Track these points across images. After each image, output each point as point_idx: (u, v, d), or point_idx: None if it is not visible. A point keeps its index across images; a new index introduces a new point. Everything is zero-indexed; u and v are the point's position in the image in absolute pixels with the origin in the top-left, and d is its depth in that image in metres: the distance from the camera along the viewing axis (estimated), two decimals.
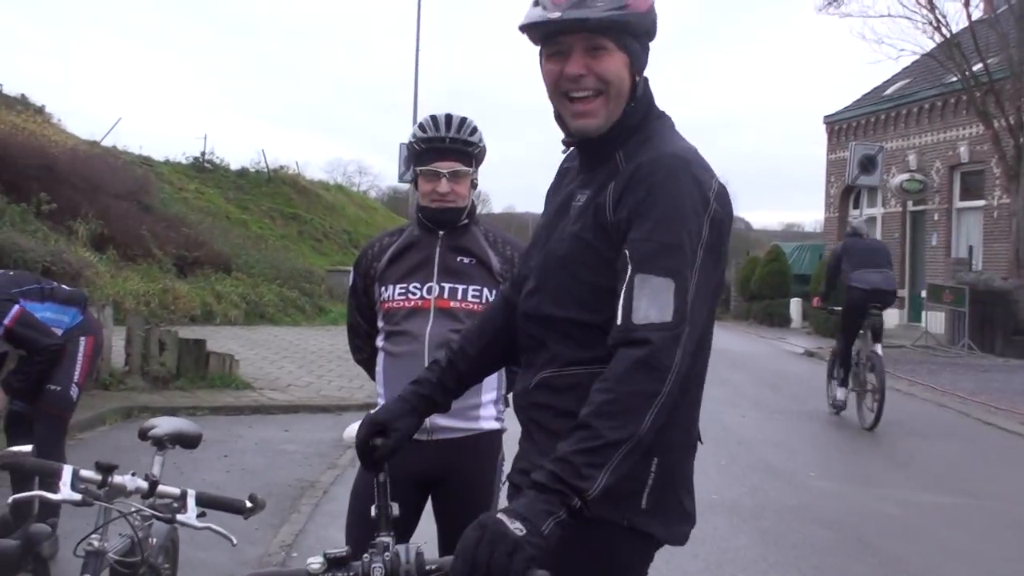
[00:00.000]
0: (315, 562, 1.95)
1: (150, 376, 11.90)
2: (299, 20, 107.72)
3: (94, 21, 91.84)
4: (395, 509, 2.27)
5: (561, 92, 2.25)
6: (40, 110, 27.37)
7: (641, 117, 2.28)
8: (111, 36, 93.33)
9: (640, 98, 2.28)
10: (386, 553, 1.99)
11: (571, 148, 2.41)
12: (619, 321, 2.07)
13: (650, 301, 2.04)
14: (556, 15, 2.17)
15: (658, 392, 1.99)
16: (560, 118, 2.31)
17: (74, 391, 5.99)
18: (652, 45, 2.32)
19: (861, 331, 11.39)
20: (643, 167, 2.16)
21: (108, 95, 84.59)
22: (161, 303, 17.69)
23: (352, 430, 2.47)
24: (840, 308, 11.72)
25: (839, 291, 11.90)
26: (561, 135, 2.36)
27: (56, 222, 18.24)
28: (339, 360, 14.85)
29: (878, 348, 11.15)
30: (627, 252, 2.10)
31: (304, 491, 7.89)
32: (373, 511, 2.25)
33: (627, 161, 2.22)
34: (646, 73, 2.31)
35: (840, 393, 11.79)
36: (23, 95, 28.13)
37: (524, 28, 2.25)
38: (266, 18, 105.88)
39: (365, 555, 2.01)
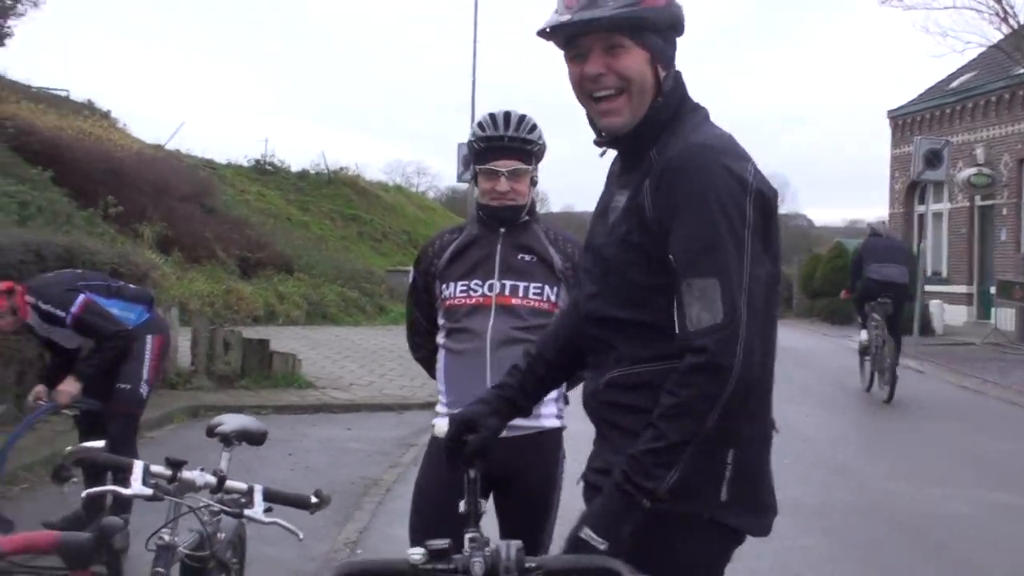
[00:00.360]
0: (416, 553, 1.96)
1: (216, 375, 12.07)
2: (354, 23, 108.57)
3: (158, 30, 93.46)
4: (484, 506, 2.31)
5: (585, 93, 2.26)
6: (106, 115, 27.83)
7: (673, 111, 2.27)
8: (175, 44, 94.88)
9: (670, 92, 2.27)
10: (486, 548, 1.98)
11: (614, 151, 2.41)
12: (678, 329, 2.10)
13: (701, 305, 2.07)
14: (567, 18, 2.19)
15: (720, 393, 2.03)
16: (591, 119, 2.32)
17: (144, 389, 6.09)
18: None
19: (876, 318, 12.69)
20: (672, 161, 2.16)
21: (172, 100, 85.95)
22: (225, 304, 17.93)
23: (442, 424, 2.49)
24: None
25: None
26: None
27: (122, 225, 18.55)
28: (400, 359, 14.92)
29: (891, 335, 12.49)
30: (672, 257, 2.11)
31: (367, 489, 7.94)
32: (462, 507, 2.27)
33: (659, 157, 2.21)
34: (679, 67, 2.30)
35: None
36: (89, 100, 28.69)
37: (541, 34, 2.27)
38: (322, 22, 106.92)
39: (464, 549, 2.01)
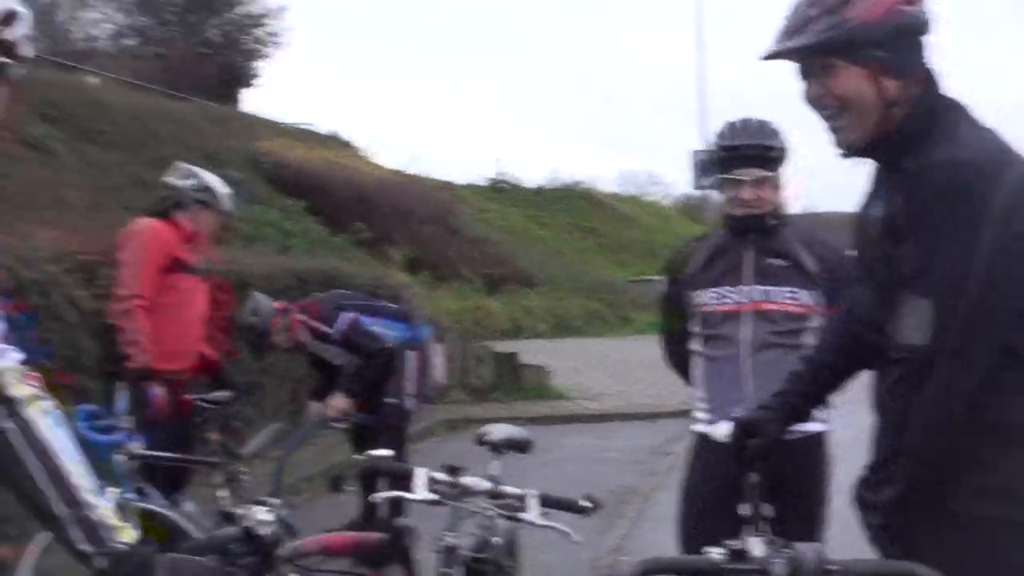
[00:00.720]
0: (717, 552, 1.95)
1: (470, 389, 12.40)
2: (571, 34, 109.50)
3: (391, 60, 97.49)
4: (768, 509, 2.31)
5: (815, 112, 2.24)
6: (349, 145, 29.20)
7: (924, 117, 2.16)
8: (406, 71, 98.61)
9: (920, 99, 2.16)
10: (785, 550, 1.93)
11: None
12: (890, 338, 2.11)
13: (912, 322, 2.05)
14: (774, 48, 2.20)
15: (930, 407, 2.04)
16: None
17: (409, 403, 6.30)
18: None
19: None
20: (923, 173, 2.07)
21: (408, 125, 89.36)
22: (474, 320, 18.41)
23: (722, 429, 2.50)
24: None
25: None
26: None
27: (372, 249, 19.38)
28: (648, 368, 14.85)
29: None
30: (898, 266, 2.08)
31: (625, 497, 7.93)
32: (745, 510, 2.29)
33: (910, 167, 2.12)
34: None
35: None
36: (334, 132, 30.16)
37: (766, 59, 2.26)
38: (544, 40, 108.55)
39: (757, 550, 1.97)
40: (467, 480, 3.17)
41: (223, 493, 5.08)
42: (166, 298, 5.24)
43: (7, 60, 1.93)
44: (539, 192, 36.54)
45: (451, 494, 3.12)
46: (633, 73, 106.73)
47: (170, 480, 5.08)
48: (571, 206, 35.92)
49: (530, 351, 15.82)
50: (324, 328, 6.05)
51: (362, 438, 6.34)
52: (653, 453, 9.60)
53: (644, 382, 14.20)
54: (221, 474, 5.13)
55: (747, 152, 3.43)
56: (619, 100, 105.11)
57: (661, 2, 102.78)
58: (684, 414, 3.70)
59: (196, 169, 5.61)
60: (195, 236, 5.45)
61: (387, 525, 5.81)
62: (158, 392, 5.12)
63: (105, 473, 4.22)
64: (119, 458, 4.39)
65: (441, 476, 3.13)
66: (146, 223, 5.37)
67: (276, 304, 6.13)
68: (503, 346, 14.90)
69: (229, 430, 5.91)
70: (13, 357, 1.87)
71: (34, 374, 1.90)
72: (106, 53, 28.32)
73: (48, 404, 1.90)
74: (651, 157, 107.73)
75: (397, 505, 5.70)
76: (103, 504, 1.88)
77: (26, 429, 1.84)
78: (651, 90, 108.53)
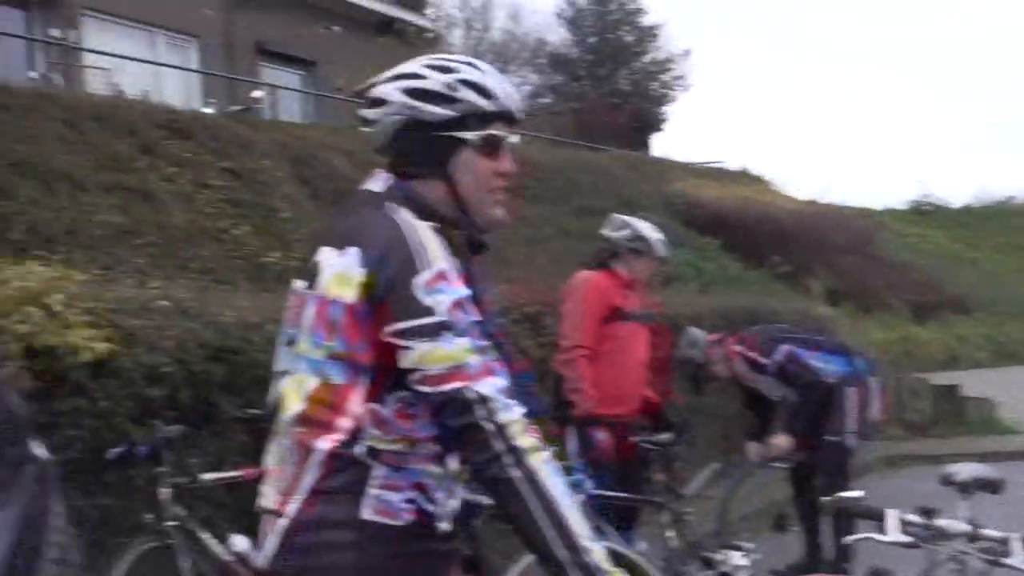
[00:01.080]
0: None
1: (906, 424, 11.81)
2: (994, 35, 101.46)
3: (799, 88, 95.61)
4: None
5: None
6: (760, 179, 28.97)
7: None
8: (811, 99, 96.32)
9: None
10: None
11: None
12: None
13: None
14: None
15: None
16: None
17: (851, 440, 6.13)
18: None
19: None
20: None
21: (823, 154, 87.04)
22: (903, 351, 17.54)
23: None
24: None
25: None
26: None
27: (790, 282, 19.05)
28: None
29: None
30: None
31: None
32: None
33: None
34: None
35: None
36: (744, 168, 30.06)
37: None
38: (966, 45, 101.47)
39: None
40: (943, 522, 3.07)
41: (670, 533, 5.21)
42: (607, 345, 5.46)
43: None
44: (966, 211, 34.28)
45: (926, 536, 3.02)
46: None
47: (621, 520, 5.27)
48: (1005, 224, 33.28)
49: (970, 382, 14.77)
50: (761, 359, 6.07)
51: (803, 476, 6.26)
52: None
53: None
54: (667, 513, 5.26)
55: None
56: None
57: None
58: None
59: (629, 219, 5.82)
60: (632, 284, 5.64)
61: (834, 567, 5.70)
62: (602, 436, 5.34)
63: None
64: (579, 498, 4.61)
65: (914, 518, 3.06)
66: (586, 275, 5.64)
67: (711, 336, 6.26)
68: (941, 377, 14.04)
69: (671, 470, 6.06)
70: (518, 411, 2.04)
71: (534, 426, 2.07)
72: (527, 113, 30.21)
73: (547, 454, 2.06)
74: None
75: (844, 549, 5.59)
76: (598, 549, 2.01)
77: (531, 477, 2.01)
78: None
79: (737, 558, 5.00)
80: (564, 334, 5.56)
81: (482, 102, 2.21)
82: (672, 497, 5.41)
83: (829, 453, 6.13)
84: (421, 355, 2.02)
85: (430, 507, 2.11)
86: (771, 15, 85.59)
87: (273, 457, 2.15)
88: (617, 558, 4.70)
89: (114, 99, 11.30)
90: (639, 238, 5.66)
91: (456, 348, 2.02)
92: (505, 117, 2.24)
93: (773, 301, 12.49)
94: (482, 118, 2.21)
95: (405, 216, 2.12)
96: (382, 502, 2.06)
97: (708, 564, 5.02)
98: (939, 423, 11.94)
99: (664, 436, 5.52)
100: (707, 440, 9.05)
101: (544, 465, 2.03)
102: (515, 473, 1.99)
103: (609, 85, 32.67)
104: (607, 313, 5.48)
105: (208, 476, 4.85)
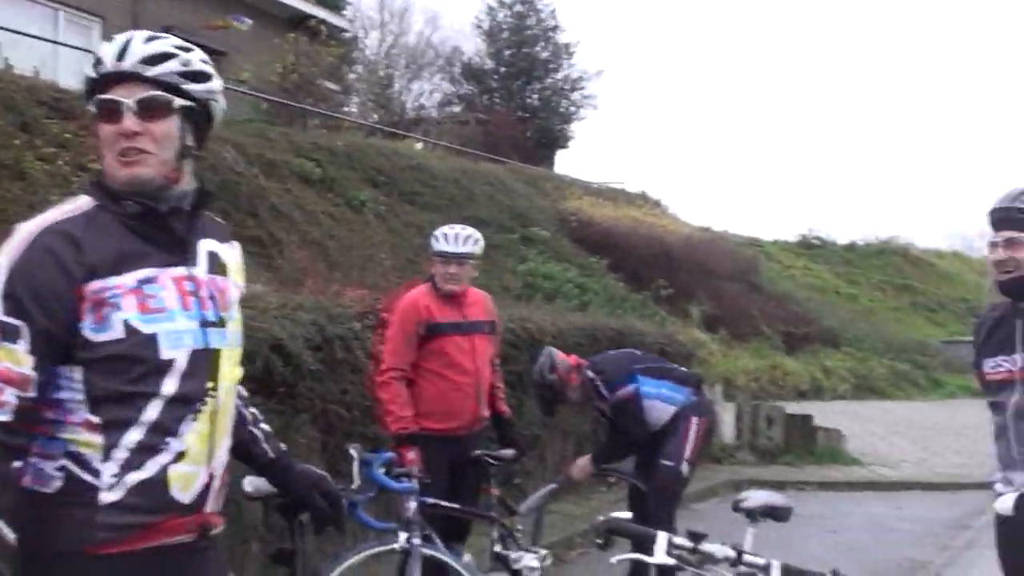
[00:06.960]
0: None
1: (759, 450, 12.29)
2: (890, 84, 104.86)
3: (697, 118, 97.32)
4: None
5: None
6: (657, 203, 29.50)
7: None
8: (714, 129, 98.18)
9: None
10: None
11: None
12: None
13: None
14: None
15: None
16: None
17: (685, 468, 6.35)
18: None
19: None
20: None
21: (718, 183, 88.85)
22: (770, 379, 18.16)
23: (1002, 503, 2.52)
24: None
25: None
26: None
27: (672, 306, 19.54)
28: (956, 435, 14.17)
29: None
30: None
31: (914, 572, 7.65)
32: None
33: None
34: None
35: None
36: (643, 192, 30.57)
37: None
38: (866, 94, 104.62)
39: None
40: (708, 547, 3.24)
41: (498, 548, 5.39)
42: (431, 362, 5.45)
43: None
44: (851, 248, 35.43)
45: (691, 560, 3.24)
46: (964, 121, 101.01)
47: (450, 532, 5.40)
48: (885, 263, 34.57)
49: (827, 413, 15.40)
50: (602, 389, 6.30)
51: (635, 499, 6.52)
52: (950, 527, 9.17)
53: (950, 450, 13.52)
54: (498, 528, 5.44)
55: (995, 216, 3.52)
56: (944, 152, 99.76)
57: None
58: (990, 486, 3.70)
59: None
60: (454, 295, 5.53)
61: None
62: (411, 456, 5.24)
63: (398, 518, 4.66)
64: (410, 504, 4.74)
65: (682, 541, 3.24)
66: (405, 294, 5.59)
67: (572, 359, 6.37)
68: (799, 407, 14.61)
69: (510, 485, 6.22)
70: None
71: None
72: (433, 120, 30.34)
73: None
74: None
75: (640, 568, 5.82)
76: None
77: None
78: (990, 140, 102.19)
79: (529, 559, 5.27)
80: (382, 357, 5.54)
81: (89, 71, 2.28)
82: (505, 512, 5.56)
83: (663, 476, 6.36)
84: None
85: (86, 476, 2.17)
86: (685, 41, 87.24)
87: None
88: (440, 569, 4.90)
89: None
90: (434, 239, 5.56)
91: None
92: (124, 78, 2.23)
93: (643, 324, 12.84)
94: (96, 85, 2.25)
95: (42, 218, 2.17)
96: (36, 470, 2.18)
97: (504, 563, 5.24)
98: (790, 451, 12.43)
99: (507, 452, 5.63)
100: (559, 456, 9.30)
101: None
102: None
103: (520, 99, 32.97)
104: (423, 331, 5.44)
105: None
